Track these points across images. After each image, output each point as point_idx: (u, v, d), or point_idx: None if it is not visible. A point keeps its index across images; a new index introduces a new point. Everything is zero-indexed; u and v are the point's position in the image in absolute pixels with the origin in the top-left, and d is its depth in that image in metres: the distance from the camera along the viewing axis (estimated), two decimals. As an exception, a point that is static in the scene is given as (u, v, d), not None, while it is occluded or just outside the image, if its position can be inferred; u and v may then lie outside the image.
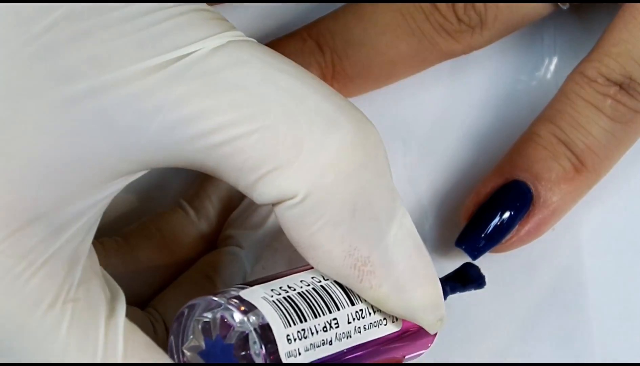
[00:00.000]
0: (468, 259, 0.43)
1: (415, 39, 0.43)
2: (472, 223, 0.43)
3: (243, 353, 0.33)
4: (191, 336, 0.34)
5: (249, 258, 0.42)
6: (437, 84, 0.45)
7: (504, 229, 0.42)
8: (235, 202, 0.42)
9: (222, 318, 0.34)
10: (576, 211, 0.43)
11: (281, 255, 0.43)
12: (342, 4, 0.44)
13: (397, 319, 0.36)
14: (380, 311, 0.35)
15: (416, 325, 0.36)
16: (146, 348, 0.33)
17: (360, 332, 0.35)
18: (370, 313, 0.35)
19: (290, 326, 0.33)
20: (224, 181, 0.33)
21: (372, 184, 0.33)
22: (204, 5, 0.33)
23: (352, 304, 0.35)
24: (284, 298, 0.34)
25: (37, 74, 0.31)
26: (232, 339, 0.34)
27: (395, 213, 0.34)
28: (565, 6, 0.43)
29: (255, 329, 0.33)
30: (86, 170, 0.32)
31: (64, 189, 0.32)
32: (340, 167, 0.33)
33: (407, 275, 0.34)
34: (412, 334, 0.36)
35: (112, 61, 0.31)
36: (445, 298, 0.37)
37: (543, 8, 0.43)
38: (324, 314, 0.34)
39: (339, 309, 0.35)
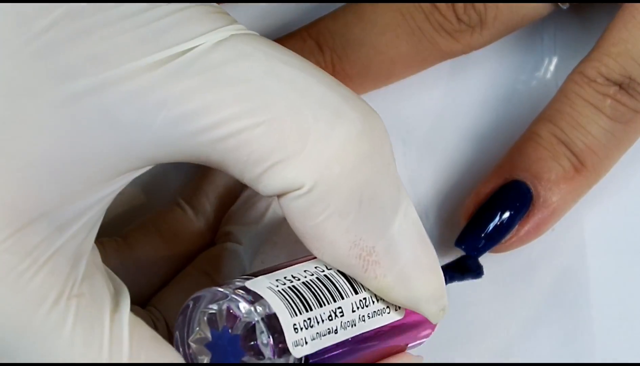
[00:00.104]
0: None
1: (415, 39, 0.43)
2: (472, 222, 0.43)
3: (250, 343, 0.33)
4: (197, 328, 0.34)
5: (247, 253, 0.42)
6: (437, 84, 0.45)
7: (504, 229, 0.42)
8: (233, 198, 0.43)
9: (229, 309, 0.34)
10: (576, 211, 0.43)
11: (281, 249, 0.43)
12: (342, 3, 0.44)
13: (399, 307, 0.36)
14: (382, 299, 0.35)
15: (418, 313, 0.36)
16: (152, 341, 0.34)
17: (364, 320, 0.35)
18: (373, 302, 0.35)
19: (296, 315, 0.34)
20: (228, 174, 0.33)
21: (378, 175, 0.33)
22: None
23: (356, 292, 0.35)
24: (289, 287, 0.34)
25: (38, 73, 0.31)
26: (239, 330, 0.34)
27: (400, 203, 0.34)
28: (565, 6, 0.43)
29: (262, 319, 0.33)
30: (89, 168, 0.32)
31: (67, 187, 0.32)
32: (347, 159, 0.33)
33: (411, 265, 0.35)
34: (414, 322, 0.36)
35: (114, 58, 0.31)
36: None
37: (543, 8, 0.43)
38: (328, 303, 0.34)
39: (343, 298, 0.35)
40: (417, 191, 0.45)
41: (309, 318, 0.34)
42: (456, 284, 0.44)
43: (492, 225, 0.42)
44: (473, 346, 0.44)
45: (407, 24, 0.42)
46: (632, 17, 0.41)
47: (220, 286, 0.34)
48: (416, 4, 0.42)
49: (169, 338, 0.35)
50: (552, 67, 0.46)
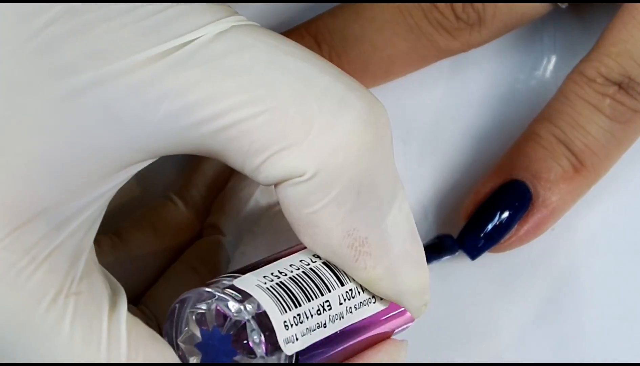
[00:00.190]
0: (467, 259, 0.43)
1: (414, 36, 0.43)
2: (471, 222, 0.43)
3: (242, 342, 0.33)
4: (186, 329, 0.34)
5: (232, 245, 0.42)
6: (437, 83, 0.45)
7: (503, 228, 0.42)
8: (222, 188, 0.43)
9: (218, 308, 0.34)
10: (576, 211, 0.43)
11: (261, 240, 0.43)
12: (340, 1, 0.44)
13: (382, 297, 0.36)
14: (367, 290, 0.35)
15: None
16: (150, 340, 0.34)
17: (351, 312, 0.35)
18: (359, 292, 0.35)
19: (286, 312, 0.33)
20: (218, 165, 0.33)
21: (379, 165, 0.33)
22: None
23: (342, 284, 0.35)
24: (277, 284, 0.34)
25: (39, 69, 0.31)
26: (230, 329, 0.34)
27: (396, 195, 0.34)
28: (564, 5, 0.43)
29: (252, 317, 0.33)
30: (91, 163, 0.32)
31: (68, 184, 0.32)
32: (351, 147, 0.33)
33: (401, 259, 0.34)
34: (398, 310, 0.36)
35: (114, 52, 0.31)
36: None
37: (542, 7, 0.43)
38: (316, 297, 0.34)
39: (330, 290, 0.35)
40: (416, 190, 0.45)
41: (299, 314, 0.34)
42: (456, 285, 0.44)
43: (491, 225, 0.42)
44: (473, 346, 0.44)
45: (406, 21, 0.42)
46: (631, 17, 0.41)
47: (207, 285, 0.34)
48: (415, 3, 0.42)
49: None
50: (551, 67, 0.46)
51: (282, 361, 0.33)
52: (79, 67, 0.31)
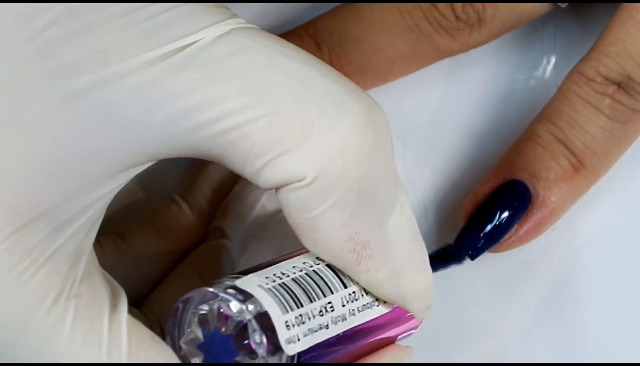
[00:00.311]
0: (467, 259, 0.43)
1: (413, 37, 0.43)
2: (470, 222, 0.43)
3: (243, 342, 0.33)
4: (188, 330, 0.34)
5: (237, 249, 0.42)
6: (436, 83, 0.45)
7: (503, 229, 0.42)
8: (228, 192, 0.42)
9: (220, 308, 0.34)
10: (576, 211, 0.43)
11: (268, 244, 0.43)
12: (340, 2, 0.44)
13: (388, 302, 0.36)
14: (370, 293, 0.35)
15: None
16: (150, 342, 0.34)
17: (354, 314, 0.35)
18: (362, 295, 0.35)
19: (287, 312, 0.33)
20: (223, 169, 0.33)
21: (379, 169, 0.33)
22: None
23: (345, 287, 0.35)
24: (280, 284, 0.34)
25: (39, 71, 0.31)
26: (231, 329, 0.33)
27: (397, 197, 0.34)
28: (563, 5, 0.43)
29: (254, 317, 0.33)
30: (91, 165, 0.32)
31: (68, 185, 0.32)
32: (350, 151, 0.33)
33: (403, 261, 0.34)
34: (403, 315, 0.36)
35: (114, 54, 0.31)
36: None
37: (541, 6, 0.43)
38: (319, 298, 0.34)
39: (332, 292, 0.35)
40: (416, 191, 0.45)
41: (300, 315, 0.33)
42: (456, 284, 0.44)
43: (490, 225, 0.42)
44: (473, 346, 0.44)
45: (405, 22, 0.42)
46: (630, 17, 0.41)
47: (210, 286, 0.34)
48: (414, 3, 0.42)
49: (163, 340, 0.35)
50: (550, 67, 0.46)
51: (283, 361, 0.33)
52: (79, 68, 0.31)
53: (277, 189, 0.33)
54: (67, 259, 0.32)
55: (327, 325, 0.34)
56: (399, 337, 0.37)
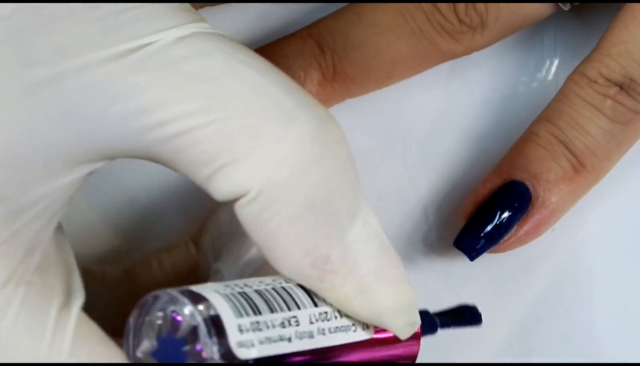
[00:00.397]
0: (466, 259, 0.43)
1: (416, 40, 0.42)
2: (470, 223, 0.42)
3: (193, 346, 0.32)
4: (143, 338, 0.33)
5: None
6: (437, 84, 0.45)
7: (503, 229, 0.42)
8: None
9: (172, 313, 0.33)
10: (576, 211, 0.43)
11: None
12: (343, 4, 0.44)
13: (368, 326, 0.34)
14: (348, 317, 0.34)
15: (390, 332, 0.34)
16: (98, 340, 0.33)
17: (324, 334, 0.33)
18: (336, 317, 0.34)
19: (242, 317, 0.32)
20: (182, 174, 0.32)
21: (331, 180, 0.32)
22: None
23: (316, 305, 0.34)
24: (238, 293, 0.33)
25: (1, 59, 0.31)
26: (182, 333, 0.32)
27: (357, 210, 0.33)
28: (566, 7, 0.43)
29: (204, 320, 0.32)
30: (46, 156, 0.32)
31: (23, 174, 0.32)
32: (297, 162, 0.32)
33: (372, 276, 0.33)
34: (388, 343, 0.35)
35: (75, 47, 0.31)
36: (434, 330, 0.36)
37: (544, 9, 0.43)
38: (281, 310, 0.33)
39: (299, 308, 0.33)
40: (416, 191, 0.45)
41: (257, 322, 0.32)
42: (456, 284, 0.44)
43: (490, 226, 0.42)
44: (473, 346, 0.44)
45: (408, 24, 0.42)
46: (633, 18, 0.41)
47: (164, 290, 0.33)
48: (417, 5, 0.42)
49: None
50: (553, 69, 0.46)
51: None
52: (39, 59, 0.31)
53: (233, 205, 0.32)
54: (21, 246, 0.32)
55: (289, 338, 0.33)
56: None
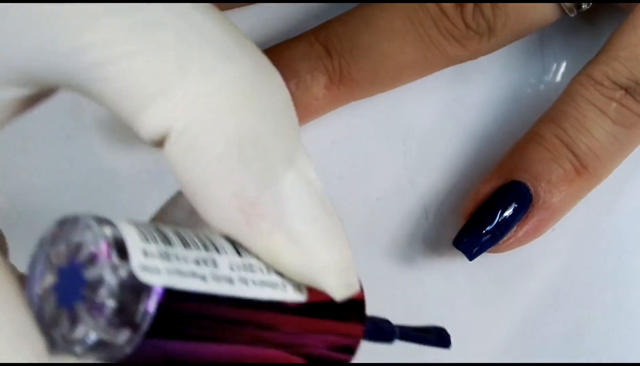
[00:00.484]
0: (466, 259, 0.42)
1: (423, 45, 0.42)
2: (470, 222, 0.42)
3: (93, 271, 0.28)
4: (45, 271, 0.29)
5: None
6: (439, 84, 0.45)
7: (502, 229, 0.42)
8: None
9: (74, 237, 0.29)
10: (576, 211, 0.43)
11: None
12: (350, 7, 0.43)
13: (301, 289, 0.31)
14: (278, 275, 0.31)
15: (326, 296, 0.31)
16: None
17: (246, 283, 0.30)
18: (263, 271, 0.30)
19: (149, 242, 0.29)
20: (111, 111, 0.30)
21: (264, 124, 0.30)
22: None
23: (240, 255, 0.30)
24: (152, 227, 0.30)
25: None
26: (83, 258, 0.29)
27: (293, 160, 0.31)
28: (572, 13, 0.42)
29: (107, 242, 0.28)
30: None
31: None
32: (228, 99, 0.30)
33: (306, 228, 0.31)
34: (324, 314, 0.31)
35: None
36: (391, 339, 0.34)
37: (550, 15, 0.42)
38: (197, 249, 0.30)
39: (218, 252, 0.30)
40: (416, 191, 0.45)
41: (167, 252, 0.29)
42: (456, 284, 0.44)
43: (490, 225, 0.42)
44: (473, 346, 0.44)
45: (416, 30, 0.42)
46: None
47: (68, 215, 0.29)
48: (425, 11, 0.42)
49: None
50: (561, 71, 0.45)
51: (140, 295, 0.28)
52: None
53: (162, 147, 0.30)
54: None
55: (203, 277, 0.29)
56: (330, 348, 0.32)
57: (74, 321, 0.28)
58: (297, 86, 0.43)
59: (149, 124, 0.30)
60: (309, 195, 0.31)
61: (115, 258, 0.28)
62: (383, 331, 0.34)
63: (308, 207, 0.31)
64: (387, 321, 0.35)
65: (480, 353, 0.44)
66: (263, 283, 0.30)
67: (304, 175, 0.31)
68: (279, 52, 0.43)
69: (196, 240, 0.30)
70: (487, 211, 0.42)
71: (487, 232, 0.42)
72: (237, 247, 0.31)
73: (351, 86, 0.43)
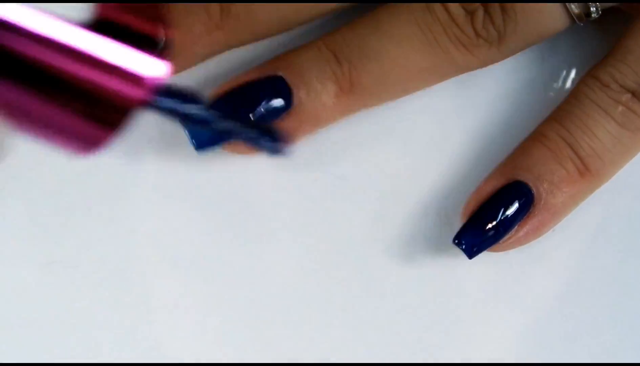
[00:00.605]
0: (466, 259, 0.42)
1: (432, 52, 0.42)
2: (471, 220, 0.42)
3: None
4: None
5: None
6: (443, 86, 0.45)
7: (503, 229, 0.42)
8: None
9: None
10: (576, 211, 0.43)
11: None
12: (350, 8, 0.43)
13: None
14: None
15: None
16: None
17: None
18: None
19: None
20: None
21: None
22: None
23: None
24: None
25: None
26: None
27: None
28: (581, 22, 0.43)
29: None
30: None
31: None
32: None
33: None
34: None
35: None
36: (203, 120, 0.32)
37: (560, 24, 0.42)
38: None
39: None
40: (417, 191, 0.45)
41: None
42: (456, 284, 0.44)
43: (491, 225, 0.42)
44: (473, 346, 0.44)
45: (425, 36, 0.42)
46: None
47: None
48: (434, 16, 0.42)
49: None
50: (571, 77, 0.46)
51: None
52: None
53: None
54: None
55: None
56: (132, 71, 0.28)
57: None
58: (307, 94, 0.42)
59: None
60: None
61: None
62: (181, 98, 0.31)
63: None
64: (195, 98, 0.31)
65: (481, 353, 0.44)
66: None
67: None
68: (288, 59, 0.43)
69: None
70: (488, 210, 0.42)
71: (488, 231, 0.42)
72: None
73: (361, 94, 0.42)
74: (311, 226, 0.44)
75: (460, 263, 0.44)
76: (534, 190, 0.42)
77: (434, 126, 0.45)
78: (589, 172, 0.42)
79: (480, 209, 0.42)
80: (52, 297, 0.43)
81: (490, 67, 0.44)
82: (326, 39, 0.43)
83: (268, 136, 0.35)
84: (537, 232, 0.42)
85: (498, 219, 0.42)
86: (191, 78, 0.44)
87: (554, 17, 0.42)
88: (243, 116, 0.41)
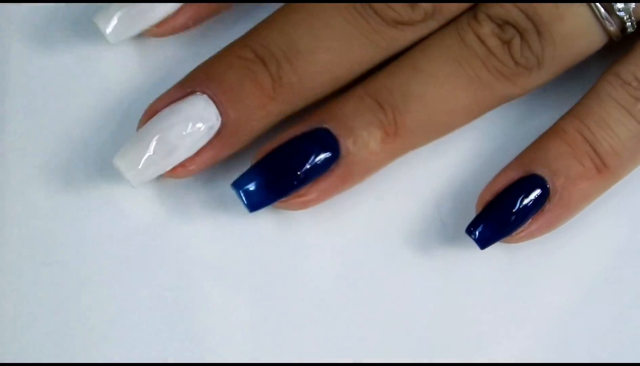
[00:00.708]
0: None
1: (474, 87, 0.42)
2: (484, 212, 0.42)
3: None
4: None
5: None
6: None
7: (517, 221, 0.42)
8: None
9: None
10: (591, 207, 0.43)
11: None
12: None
13: None
14: None
15: None
16: None
17: None
18: None
19: None
20: None
21: None
22: None
23: None
24: None
25: None
26: None
27: None
28: (617, 38, 0.42)
29: None
30: None
31: None
32: None
33: None
34: None
35: None
36: None
37: (598, 43, 0.42)
38: None
39: None
40: (417, 191, 0.45)
41: None
42: (456, 284, 0.44)
43: (504, 216, 0.42)
44: (473, 346, 0.43)
45: (466, 73, 0.42)
46: None
47: None
48: (472, 52, 0.42)
49: None
50: (589, 74, 0.45)
51: None
52: None
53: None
54: None
55: None
56: None
57: None
58: (354, 143, 0.42)
59: None
60: None
61: None
62: None
63: None
64: None
65: (482, 353, 0.43)
66: None
67: None
68: (331, 111, 0.42)
69: None
70: (502, 202, 0.42)
71: (501, 222, 0.42)
72: None
73: (408, 136, 0.42)
74: (313, 226, 0.44)
75: (461, 264, 0.44)
76: (550, 184, 0.42)
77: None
78: (606, 170, 0.42)
79: (495, 200, 0.42)
80: (52, 297, 0.43)
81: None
82: (367, 87, 0.42)
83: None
84: (550, 226, 0.42)
85: (512, 211, 0.42)
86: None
87: (591, 36, 0.42)
88: (293, 171, 0.41)
